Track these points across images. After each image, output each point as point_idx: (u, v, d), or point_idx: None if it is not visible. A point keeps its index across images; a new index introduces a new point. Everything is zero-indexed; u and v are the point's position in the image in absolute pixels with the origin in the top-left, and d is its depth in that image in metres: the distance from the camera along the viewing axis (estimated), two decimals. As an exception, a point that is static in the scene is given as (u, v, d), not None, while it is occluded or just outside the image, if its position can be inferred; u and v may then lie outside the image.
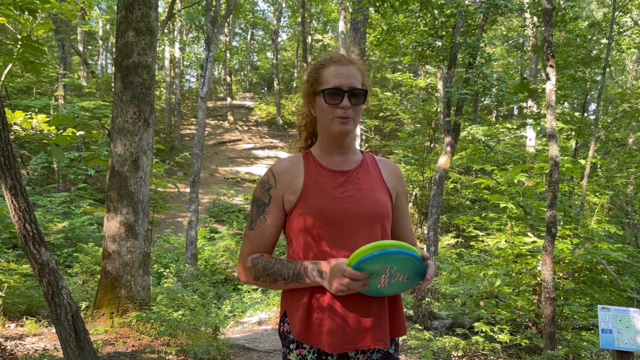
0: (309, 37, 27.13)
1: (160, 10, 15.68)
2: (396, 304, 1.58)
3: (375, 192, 1.58)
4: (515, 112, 23.98)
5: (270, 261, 1.51)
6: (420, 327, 5.21)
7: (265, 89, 37.08)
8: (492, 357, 4.77)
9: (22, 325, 4.78)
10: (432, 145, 16.11)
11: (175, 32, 25.48)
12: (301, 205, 1.52)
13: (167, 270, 7.72)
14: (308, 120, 1.70)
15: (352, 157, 1.63)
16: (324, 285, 1.42)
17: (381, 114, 19.42)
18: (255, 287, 10.22)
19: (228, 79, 27.73)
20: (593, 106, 21.29)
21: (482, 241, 6.59)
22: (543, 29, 5.05)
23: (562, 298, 5.18)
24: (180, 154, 11.51)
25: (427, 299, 5.91)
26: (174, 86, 25.06)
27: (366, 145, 20.27)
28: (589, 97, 16.90)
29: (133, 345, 4.21)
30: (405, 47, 9.80)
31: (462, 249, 8.40)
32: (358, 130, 16.41)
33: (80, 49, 21.97)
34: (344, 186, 1.56)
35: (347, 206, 1.52)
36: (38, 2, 3.92)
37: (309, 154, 1.62)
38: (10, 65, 4.78)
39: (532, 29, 13.55)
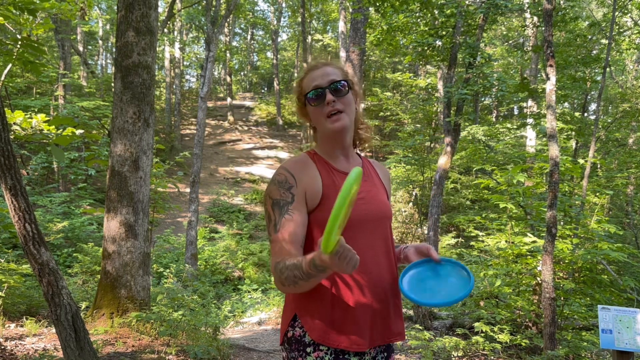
0: (309, 37, 27.12)
1: (160, 10, 15.68)
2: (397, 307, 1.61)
3: (379, 194, 1.62)
4: (515, 112, 23.98)
5: (285, 263, 1.36)
6: (420, 327, 5.21)
7: (265, 89, 37.08)
8: (492, 357, 4.76)
9: (22, 325, 4.78)
10: (432, 145, 16.11)
11: (175, 32, 25.48)
12: (322, 207, 1.48)
13: (167, 270, 7.72)
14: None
15: (355, 160, 1.65)
16: (334, 268, 1.24)
17: (381, 114, 19.41)
18: (255, 286, 10.21)
19: (228, 79, 27.72)
20: (593, 106, 21.29)
21: (482, 241, 6.58)
22: (543, 29, 5.05)
23: (562, 298, 5.17)
24: (180, 154, 11.51)
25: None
26: (174, 86, 25.06)
27: (366, 145, 20.23)
28: (589, 97, 16.89)
29: (133, 346, 4.21)
30: (405, 47, 9.79)
31: (462, 249, 8.40)
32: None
33: (80, 49, 21.97)
34: None
35: (363, 208, 1.52)
36: (38, 2, 3.92)
37: (317, 155, 1.60)
38: (10, 65, 4.78)
39: (532, 29, 13.55)
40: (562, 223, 5.87)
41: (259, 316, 7.75)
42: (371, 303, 1.49)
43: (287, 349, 1.52)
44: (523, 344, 4.82)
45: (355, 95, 1.60)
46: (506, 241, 5.76)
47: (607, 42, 11.04)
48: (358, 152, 1.73)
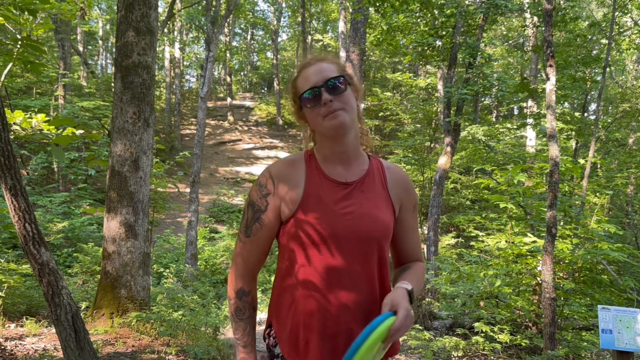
0: (309, 37, 27.13)
1: (160, 10, 15.68)
2: None
3: (376, 209, 1.45)
4: (515, 112, 23.98)
5: (243, 312, 1.50)
6: (420, 327, 5.21)
7: (265, 89, 37.07)
8: (492, 357, 4.77)
9: (22, 325, 4.78)
10: (432, 145, 16.12)
11: (175, 32, 25.48)
12: (298, 217, 1.41)
13: (167, 270, 7.73)
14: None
15: (357, 166, 1.49)
16: None
17: (381, 114, 19.42)
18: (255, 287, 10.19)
19: (228, 79, 27.73)
20: (593, 106, 21.29)
21: (482, 241, 6.59)
22: (543, 29, 5.05)
23: (562, 298, 5.18)
24: (180, 154, 11.51)
25: (427, 299, 5.91)
26: (174, 86, 25.06)
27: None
28: (589, 97, 16.90)
29: (133, 346, 4.21)
30: (405, 47, 9.81)
31: (462, 249, 8.40)
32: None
33: (80, 49, 21.98)
34: (345, 200, 1.43)
35: (344, 224, 1.40)
36: (38, 2, 3.92)
37: (313, 158, 1.49)
38: (10, 65, 4.78)
39: (532, 29, 13.56)
40: (562, 223, 5.87)
41: (259, 316, 7.75)
42: (344, 327, 1.40)
43: (268, 355, 1.57)
44: (523, 344, 4.82)
45: (355, 92, 1.46)
46: (506, 241, 5.76)
47: (607, 42, 11.03)
48: (369, 154, 1.56)
